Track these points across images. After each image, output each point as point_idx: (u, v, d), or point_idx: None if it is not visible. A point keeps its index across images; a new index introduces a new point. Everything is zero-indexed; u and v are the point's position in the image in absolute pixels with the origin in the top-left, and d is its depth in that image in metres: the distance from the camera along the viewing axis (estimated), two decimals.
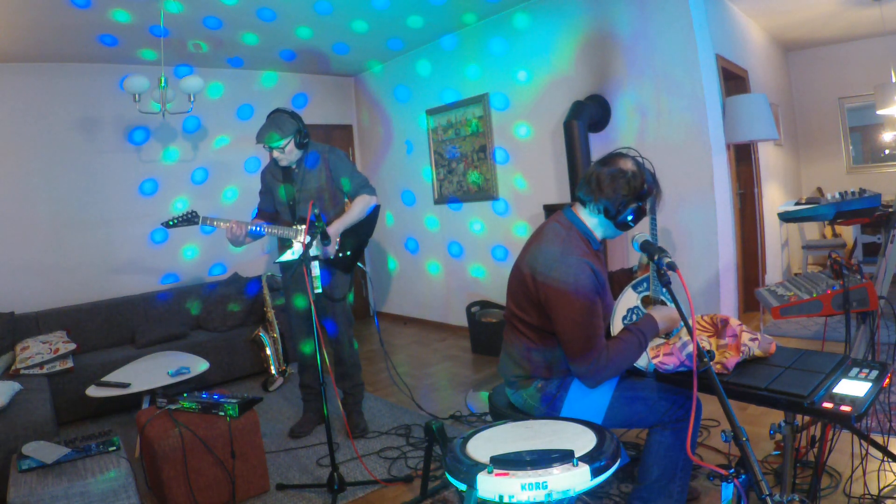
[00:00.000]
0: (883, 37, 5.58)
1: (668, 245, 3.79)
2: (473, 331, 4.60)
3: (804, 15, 4.99)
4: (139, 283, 4.69)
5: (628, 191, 1.74)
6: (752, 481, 1.20)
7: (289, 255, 2.88)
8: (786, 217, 2.54)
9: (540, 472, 1.25)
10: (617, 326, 1.94)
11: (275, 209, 3.10)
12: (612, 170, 1.77)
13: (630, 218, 1.78)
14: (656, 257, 1.55)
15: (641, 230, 1.89)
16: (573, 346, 1.69)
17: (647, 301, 2.00)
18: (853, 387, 1.43)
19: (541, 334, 1.81)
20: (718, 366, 1.61)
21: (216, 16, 3.92)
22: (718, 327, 1.77)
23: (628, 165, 1.78)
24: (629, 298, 1.98)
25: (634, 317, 1.96)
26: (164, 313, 4.46)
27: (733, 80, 4.40)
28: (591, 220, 1.84)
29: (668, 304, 1.98)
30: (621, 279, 2.15)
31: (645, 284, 2.01)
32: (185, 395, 2.62)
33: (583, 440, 1.42)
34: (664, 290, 1.53)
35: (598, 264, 1.77)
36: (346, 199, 3.10)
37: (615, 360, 1.69)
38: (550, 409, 1.83)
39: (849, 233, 5.72)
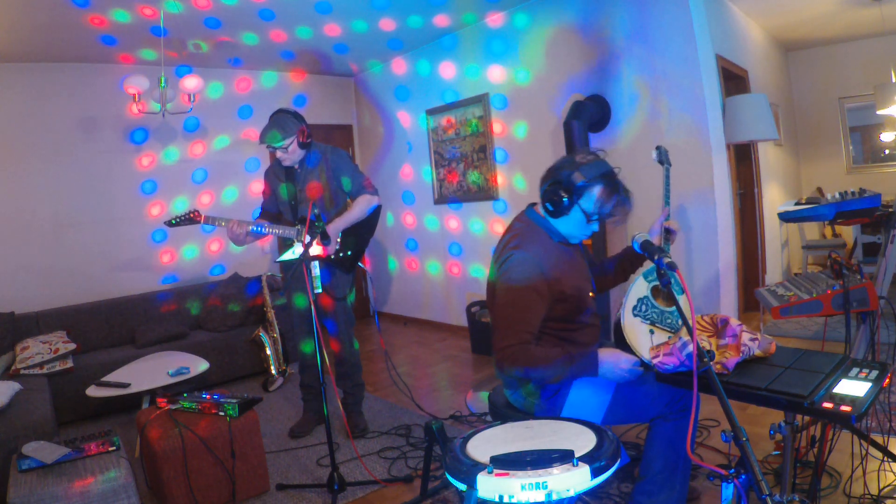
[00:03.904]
0: (883, 37, 5.58)
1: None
2: (473, 331, 4.60)
3: (804, 15, 4.99)
4: (139, 283, 4.69)
5: (554, 180, 1.79)
6: (752, 481, 1.20)
7: (289, 255, 2.88)
8: (786, 217, 2.54)
9: (540, 472, 1.25)
10: (628, 318, 1.90)
11: (278, 209, 3.10)
12: (557, 163, 1.84)
13: (564, 210, 1.78)
14: (656, 257, 1.55)
15: (637, 226, 1.88)
16: (496, 330, 1.75)
17: (656, 292, 1.96)
18: (853, 387, 1.43)
19: None
20: (718, 366, 1.61)
21: (216, 16, 3.92)
22: (718, 327, 1.77)
23: (578, 157, 1.81)
24: (639, 287, 1.94)
25: (644, 307, 1.92)
26: (164, 313, 4.46)
27: (733, 80, 4.40)
28: (550, 218, 1.88)
29: (677, 296, 1.96)
30: (630, 256, 2.12)
31: (655, 273, 1.97)
32: (185, 395, 2.62)
33: (583, 440, 1.42)
34: (670, 282, 1.50)
35: (553, 255, 1.80)
36: (349, 199, 3.10)
37: (530, 361, 1.70)
38: (552, 404, 1.84)
39: (849, 233, 5.71)
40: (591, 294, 1.97)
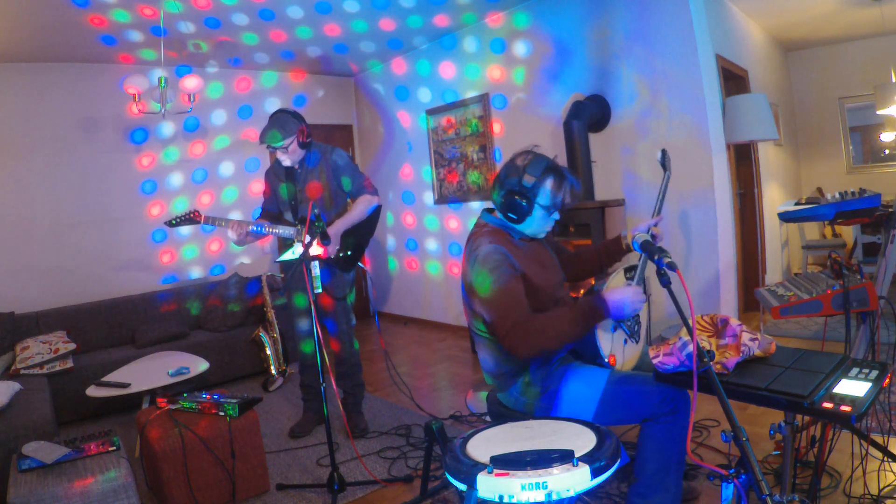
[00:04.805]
0: (883, 37, 5.58)
1: (669, 245, 3.79)
2: None
3: (804, 15, 4.99)
4: (139, 283, 4.69)
5: (508, 188, 1.86)
6: (752, 481, 1.20)
7: (289, 255, 2.88)
8: (786, 217, 2.54)
9: (540, 472, 1.25)
10: None
11: (278, 209, 3.10)
12: (503, 169, 1.90)
13: (524, 212, 1.85)
14: (656, 257, 1.55)
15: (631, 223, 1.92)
16: (495, 320, 1.75)
17: None
18: (853, 387, 1.43)
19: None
20: (718, 366, 1.61)
21: (216, 16, 3.92)
22: (718, 327, 1.77)
23: (518, 160, 1.89)
24: (617, 280, 2.00)
25: None
26: (164, 313, 4.46)
27: (733, 80, 4.40)
28: (516, 225, 1.94)
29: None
30: (609, 247, 2.15)
31: (632, 273, 2.03)
32: (185, 395, 2.62)
33: (583, 440, 1.42)
34: (670, 282, 1.51)
35: (517, 251, 1.86)
36: (349, 199, 3.10)
37: (545, 325, 1.71)
38: (546, 401, 1.84)
39: (849, 233, 5.72)
40: (565, 285, 2.03)
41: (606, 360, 1.88)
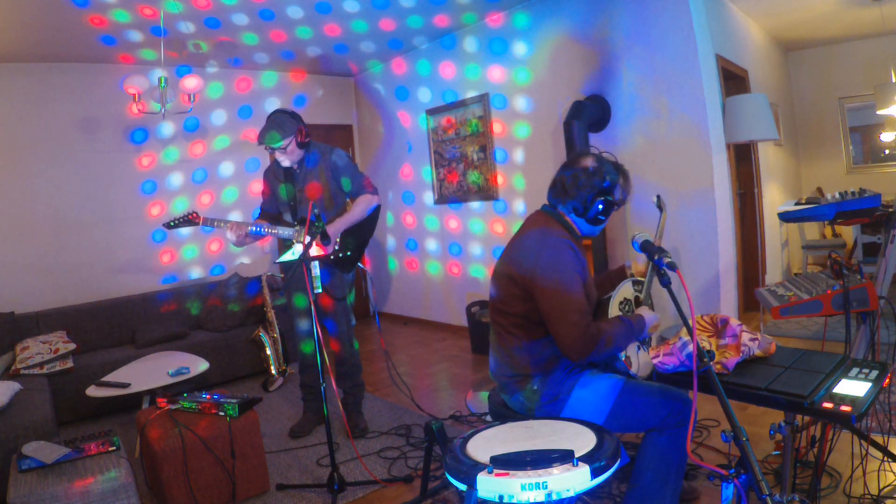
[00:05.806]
0: (883, 37, 5.58)
1: (668, 245, 3.79)
2: (473, 331, 4.60)
3: (804, 15, 4.99)
4: (139, 283, 4.69)
5: (590, 188, 1.85)
6: (752, 481, 1.20)
7: (289, 256, 2.88)
8: (786, 217, 2.54)
9: (540, 472, 1.25)
10: (613, 310, 1.96)
11: (278, 210, 3.10)
12: (573, 171, 1.89)
13: (599, 212, 1.88)
14: (656, 257, 1.56)
15: (639, 227, 1.93)
16: (559, 319, 1.72)
17: (637, 302, 2.04)
18: (853, 387, 1.43)
19: (529, 328, 1.83)
20: (718, 366, 1.61)
21: (216, 16, 3.92)
22: (718, 327, 1.77)
23: (588, 163, 1.89)
24: (627, 290, 2.02)
25: (627, 308, 1.99)
26: (164, 313, 4.46)
27: (733, 80, 4.40)
28: (567, 216, 1.94)
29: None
30: (613, 277, 2.18)
31: (639, 286, 2.07)
32: (185, 395, 2.62)
33: (583, 440, 1.42)
34: (670, 282, 1.54)
35: (578, 246, 1.86)
36: (349, 199, 3.10)
37: (604, 337, 1.72)
38: (551, 408, 1.83)
39: (849, 233, 5.72)
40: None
41: (623, 363, 1.88)
